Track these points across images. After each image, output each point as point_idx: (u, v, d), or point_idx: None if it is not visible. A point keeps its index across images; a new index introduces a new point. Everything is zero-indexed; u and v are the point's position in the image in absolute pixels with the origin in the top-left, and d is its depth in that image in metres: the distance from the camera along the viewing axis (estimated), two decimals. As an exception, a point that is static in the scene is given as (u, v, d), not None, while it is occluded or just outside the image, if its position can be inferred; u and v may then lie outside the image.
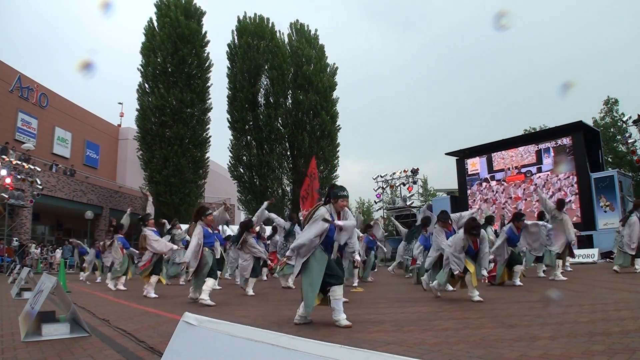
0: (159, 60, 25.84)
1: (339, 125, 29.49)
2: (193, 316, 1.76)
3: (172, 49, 25.55)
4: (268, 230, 11.66)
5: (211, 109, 27.75)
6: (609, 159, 28.78)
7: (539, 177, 20.27)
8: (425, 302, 5.81)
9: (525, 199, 20.49)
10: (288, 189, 28.25)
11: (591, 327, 3.44)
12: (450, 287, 6.51)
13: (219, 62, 30.19)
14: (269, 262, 9.41)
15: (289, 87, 28.57)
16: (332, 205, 4.31)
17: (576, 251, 15.71)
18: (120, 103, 42.52)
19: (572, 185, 19.14)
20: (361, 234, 9.96)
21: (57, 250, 23.40)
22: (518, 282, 7.62)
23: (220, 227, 10.29)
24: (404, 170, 25.48)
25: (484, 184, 22.20)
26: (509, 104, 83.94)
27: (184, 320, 1.77)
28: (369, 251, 10.40)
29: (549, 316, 4.19)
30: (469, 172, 22.96)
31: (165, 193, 24.91)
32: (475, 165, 22.82)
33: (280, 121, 28.30)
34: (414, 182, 25.60)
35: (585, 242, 16.78)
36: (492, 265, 7.59)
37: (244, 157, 28.16)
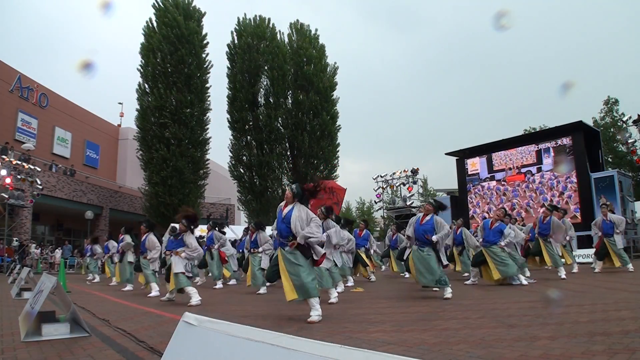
0: (158, 60, 25.81)
1: (339, 125, 29.48)
2: (193, 316, 1.76)
3: (171, 49, 25.52)
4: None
5: (210, 109, 27.76)
6: (609, 159, 28.79)
7: (539, 177, 20.27)
8: (425, 302, 5.81)
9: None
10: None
11: (591, 327, 3.45)
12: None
13: (219, 62, 30.19)
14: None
15: (289, 87, 28.54)
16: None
17: (576, 251, 15.75)
18: (120, 103, 42.43)
19: (569, 186, 19.14)
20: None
21: (57, 250, 23.41)
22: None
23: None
24: (404, 170, 25.45)
25: (484, 183, 22.20)
26: (509, 104, 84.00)
27: (184, 320, 1.77)
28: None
29: (549, 316, 4.19)
30: (469, 172, 22.96)
31: (164, 194, 24.89)
32: (475, 165, 22.81)
33: (280, 121, 28.28)
34: (414, 182, 25.56)
35: (585, 242, 16.76)
36: None
37: (244, 157, 28.13)
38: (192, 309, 5.75)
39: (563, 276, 8.66)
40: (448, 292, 6.09)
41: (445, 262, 6.44)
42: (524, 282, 7.71)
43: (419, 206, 25.92)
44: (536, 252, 9.30)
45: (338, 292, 7.07)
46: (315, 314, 4.42)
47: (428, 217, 6.51)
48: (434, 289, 6.43)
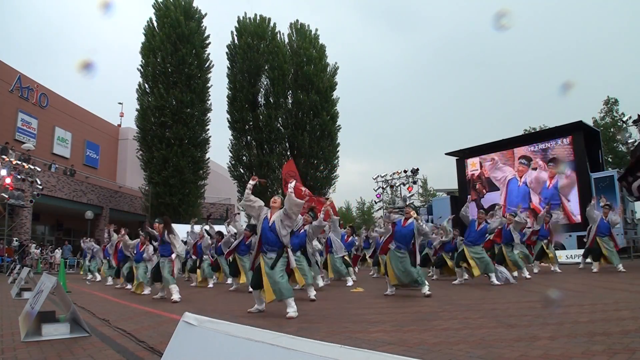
0: (158, 60, 25.80)
1: (339, 125, 29.50)
2: (193, 316, 1.76)
3: (172, 49, 25.51)
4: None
5: (211, 109, 27.78)
6: (609, 159, 28.75)
7: (539, 176, 20.26)
8: (425, 302, 5.82)
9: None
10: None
11: (591, 327, 3.45)
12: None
13: (220, 62, 30.18)
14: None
15: (289, 87, 28.56)
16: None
17: (576, 251, 15.73)
18: (120, 103, 42.41)
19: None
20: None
21: (57, 250, 23.40)
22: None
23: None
24: (404, 170, 25.46)
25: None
26: (509, 104, 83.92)
27: (184, 320, 1.77)
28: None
29: (549, 316, 4.19)
30: (469, 172, 22.94)
31: (165, 194, 24.88)
32: (475, 165, 22.80)
33: (280, 121, 28.30)
34: (414, 182, 25.56)
35: (585, 243, 16.73)
36: None
37: (244, 157, 28.14)
38: (191, 308, 5.76)
39: (527, 276, 9.08)
40: (426, 289, 6.38)
41: (419, 261, 6.73)
42: (496, 282, 8.07)
43: (419, 206, 25.94)
44: (498, 260, 9.21)
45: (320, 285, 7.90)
46: (292, 310, 4.71)
47: (409, 221, 6.78)
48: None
